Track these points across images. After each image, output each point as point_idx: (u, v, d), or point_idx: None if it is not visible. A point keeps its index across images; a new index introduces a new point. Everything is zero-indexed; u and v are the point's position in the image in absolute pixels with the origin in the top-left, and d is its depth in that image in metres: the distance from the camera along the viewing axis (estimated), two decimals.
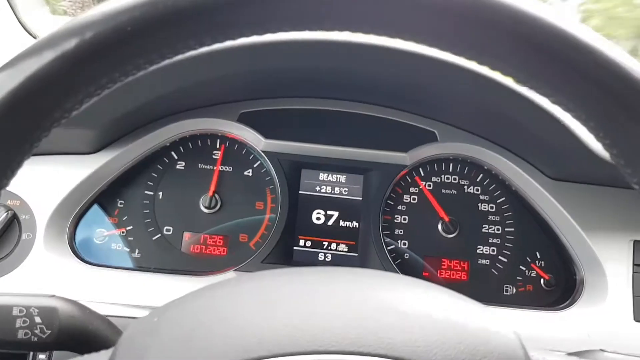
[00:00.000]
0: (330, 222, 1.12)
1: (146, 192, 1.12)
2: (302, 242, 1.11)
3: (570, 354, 0.73)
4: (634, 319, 0.98)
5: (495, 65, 0.46)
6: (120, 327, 0.71)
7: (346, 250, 1.11)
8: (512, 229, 1.12)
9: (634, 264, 1.01)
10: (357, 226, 1.11)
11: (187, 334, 0.45)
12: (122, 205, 1.11)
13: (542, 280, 1.09)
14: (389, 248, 1.11)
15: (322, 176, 1.13)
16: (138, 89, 0.96)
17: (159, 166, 1.13)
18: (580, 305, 1.02)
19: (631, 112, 0.43)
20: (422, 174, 1.15)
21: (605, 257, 1.01)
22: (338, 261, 1.10)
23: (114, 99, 0.95)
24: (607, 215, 1.04)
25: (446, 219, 1.12)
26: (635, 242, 1.02)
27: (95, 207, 1.10)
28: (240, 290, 0.50)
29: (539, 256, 1.11)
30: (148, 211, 1.11)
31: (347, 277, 0.52)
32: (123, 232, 1.10)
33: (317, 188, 1.13)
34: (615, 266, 1.01)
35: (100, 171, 1.06)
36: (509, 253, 1.11)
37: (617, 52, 0.43)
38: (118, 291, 1.00)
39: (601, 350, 0.72)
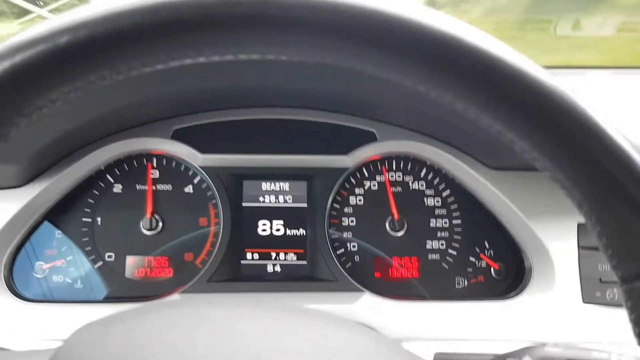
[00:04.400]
0: (277, 232, 1.10)
1: (84, 219, 1.08)
2: (249, 255, 1.08)
3: (513, 352, 0.73)
4: (583, 301, 0.98)
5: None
6: None
7: (295, 259, 1.09)
8: (460, 221, 1.12)
9: (579, 247, 1.01)
10: (305, 233, 1.10)
11: (123, 354, 0.43)
12: (60, 236, 1.08)
13: (492, 270, 1.09)
14: (338, 252, 1.10)
15: (265, 186, 1.11)
16: (61, 117, 0.92)
17: (95, 191, 1.09)
18: (530, 292, 1.02)
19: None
20: (366, 175, 1.13)
21: (551, 242, 1.01)
22: (288, 271, 1.08)
23: (37, 129, 0.91)
24: (550, 201, 1.04)
25: (396, 216, 1.11)
26: (580, 225, 1.03)
27: (32, 240, 1.06)
28: (186, 315, 0.49)
29: (487, 246, 1.11)
30: (87, 239, 1.08)
31: (314, 323, 0.50)
32: (63, 264, 1.07)
33: (261, 198, 1.11)
34: (561, 250, 1.01)
35: (32, 203, 1.02)
36: (457, 246, 1.11)
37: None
38: (61, 326, 0.97)
39: (542, 344, 0.72)
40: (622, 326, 0.95)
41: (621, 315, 0.96)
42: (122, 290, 1.06)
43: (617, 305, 0.97)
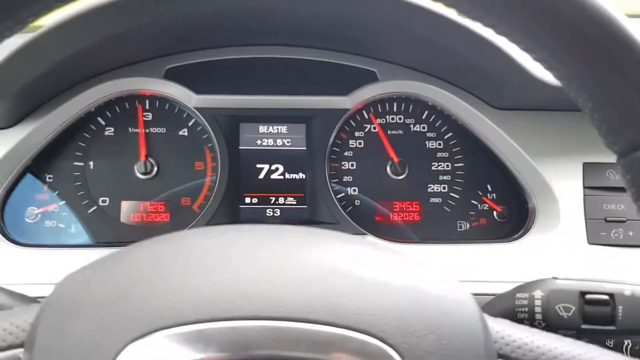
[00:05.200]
0: (275, 176, 1.07)
1: (75, 163, 1.05)
2: (247, 200, 1.06)
3: (522, 285, 0.72)
4: (588, 242, 0.97)
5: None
6: None
7: (295, 203, 1.06)
8: (462, 164, 1.10)
9: (584, 187, 1.00)
10: (304, 177, 1.07)
11: (119, 291, 0.41)
12: (51, 180, 1.04)
13: (494, 213, 1.08)
14: (338, 196, 1.07)
15: (262, 129, 1.08)
16: (47, 50, 0.88)
17: (86, 134, 1.05)
18: (534, 234, 1.01)
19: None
20: (366, 117, 1.10)
21: (555, 183, 1.00)
22: (287, 215, 1.06)
23: (23, 62, 0.87)
24: (555, 140, 1.02)
25: (396, 159, 1.08)
26: (585, 164, 1.01)
27: (22, 184, 1.02)
28: (181, 247, 0.46)
29: (490, 189, 1.09)
30: (80, 183, 1.04)
31: (296, 236, 0.48)
32: (56, 208, 1.04)
33: (258, 142, 1.07)
34: (566, 191, 0.99)
35: (21, 145, 0.98)
36: (460, 189, 1.09)
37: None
38: (55, 271, 0.93)
39: (553, 278, 0.70)
40: (628, 266, 0.94)
41: (627, 255, 0.96)
42: (117, 235, 1.03)
43: (622, 245, 0.96)
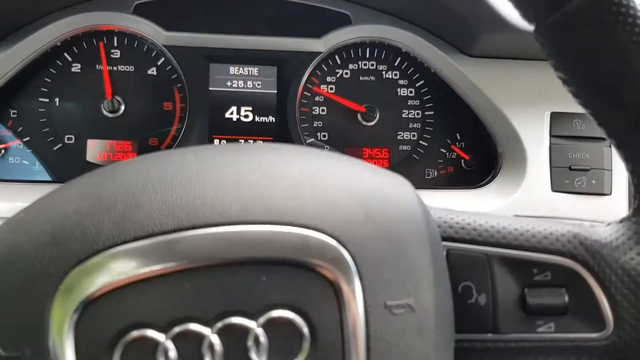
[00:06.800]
0: (245, 119, 1.06)
1: (41, 99, 1.03)
2: (216, 142, 1.05)
3: None
4: (552, 189, 0.98)
5: None
6: None
7: None
8: (432, 112, 1.10)
9: (551, 136, 1.01)
10: (274, 121, 1.06)
11: (54, 227, 0.40)
12: (15, 116, 1.02)
13: (462, 161, 1.09)
14: (308, 142, 1.07)
15: (233, 70, 1.06)
16: None
17: (52, 70, 1.03)
18: (500, 181, 1.02)
19: None
20: (339, 62, 1.09)
21: (523, 131, 1.00)
22: None
23: None
24: (524, 89, 1.02)
25: (362, 109, 1.07)
26: (552, 113, 1.01)
27: None
28: (115, 174, 0.45)
29: (459, 137, 1.09)
30: (45, 120, 1.02)
31: (229, 151, 0.47)
32: (20, 144, 1.02)
33: (229, 83, 1.06)
34: (533, 139, 1.00)
35: None
36: (429, 137, 1.09)
37: None
38: (17, 206, 0.92)
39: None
40: (590, 213, 0.96)
41: (589, 202, 0.97)
42: (83, 173, 1.02)
43: (585, 193, 0.97)
